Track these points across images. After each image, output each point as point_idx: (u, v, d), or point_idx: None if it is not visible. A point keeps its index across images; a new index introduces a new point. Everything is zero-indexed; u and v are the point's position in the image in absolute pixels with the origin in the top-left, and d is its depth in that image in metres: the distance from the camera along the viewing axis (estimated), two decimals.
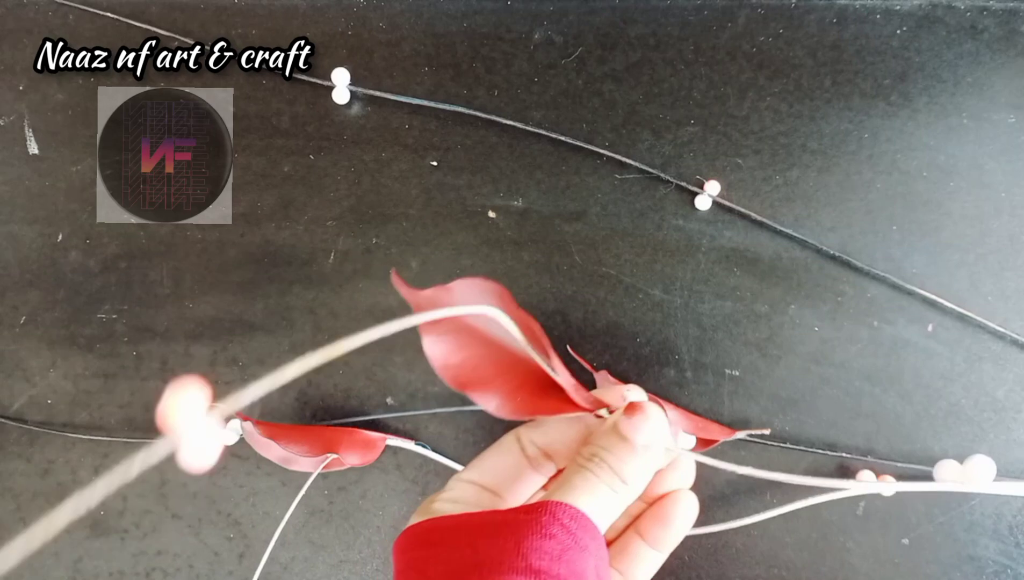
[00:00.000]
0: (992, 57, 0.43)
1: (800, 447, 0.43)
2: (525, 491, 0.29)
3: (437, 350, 0.28)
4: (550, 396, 0.27)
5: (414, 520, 0.27)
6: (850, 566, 0.43)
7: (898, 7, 0.43)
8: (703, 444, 0.42)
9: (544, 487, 0.30)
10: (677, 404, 0.43)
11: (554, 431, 0.29)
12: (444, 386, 0.45)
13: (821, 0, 0.43)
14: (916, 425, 0.43)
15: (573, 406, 0.27)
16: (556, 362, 0.26)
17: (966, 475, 0.36)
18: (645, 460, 0.26)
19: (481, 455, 0.29)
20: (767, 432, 0.43)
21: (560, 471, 0.30)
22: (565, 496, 0.25)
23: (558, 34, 0.44)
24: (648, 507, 0.29)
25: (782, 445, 0.43)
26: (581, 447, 0.27)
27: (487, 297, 0.27)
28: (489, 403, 0.27)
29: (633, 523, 0.29)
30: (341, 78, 0.43)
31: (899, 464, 0.43)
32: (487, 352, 0.28)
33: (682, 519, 0.28)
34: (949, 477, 0.38)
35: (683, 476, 0.29)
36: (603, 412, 0.28)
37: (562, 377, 0.27)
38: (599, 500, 0.25)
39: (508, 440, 0.29)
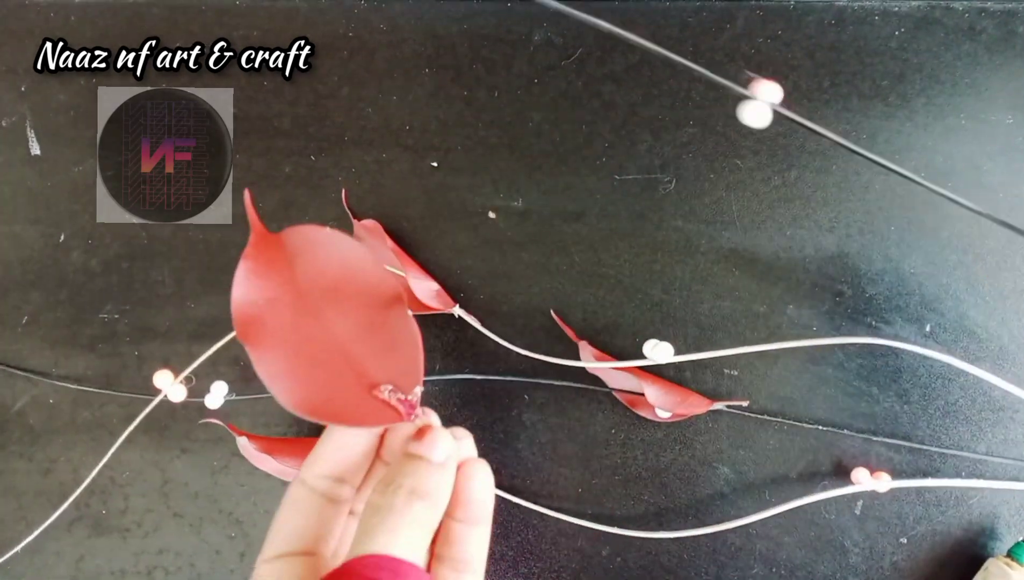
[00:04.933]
0: (990, 58, 0.43)
1: (777, 418, 0.43)
2: (340, 535, 0.28)
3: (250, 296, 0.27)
4: (357, 405, 0.26)
5: None
6: (848, 565, 0.43)
7: (896, 8, 0.43)
8: (680, 417, 0.43)
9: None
10: (659, 376, 0.43)
11: (338, 454, 0.27)
12: (442, 386, 0.45)
13: (819, 1, 0.44)
14: (914, 425, 0.43)
15: (373, 418, 0.26)
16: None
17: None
18: (445, 474, 0.26)
19: (275, 521, 0.27)
20: (745, 403, 0.43)
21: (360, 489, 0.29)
22: (367, 546, 0.23)
23: (558, 35, 0.44)
24: None
25: (759, 416, 0.43)
26: (368, 488, 0.26)
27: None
28: (283, 386, 0.26)
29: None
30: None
31: (912, 444, 0.43)
32: (306, 325, 0.27)
33: (481, 488, 0.27)
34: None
35: (464, 449, 0.28)
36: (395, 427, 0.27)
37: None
38: (405, 532, 0.24)
39: (295, 491, 0.27)
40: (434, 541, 0.26)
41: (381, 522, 0.24)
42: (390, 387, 0.26)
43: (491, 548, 0.44)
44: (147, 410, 0.40)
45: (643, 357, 0.41)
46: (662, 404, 0.42)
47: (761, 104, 0.29)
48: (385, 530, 0.24)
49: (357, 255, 0.27)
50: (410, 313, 0.27)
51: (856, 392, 0.43)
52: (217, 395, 0.43)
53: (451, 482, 0.26)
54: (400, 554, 0.23)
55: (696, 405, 0.42)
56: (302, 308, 0.27)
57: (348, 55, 0.45)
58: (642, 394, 0.42)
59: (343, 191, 0.45)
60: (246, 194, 0.27)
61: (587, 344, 0.43)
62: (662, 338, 0.42)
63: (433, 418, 0.28)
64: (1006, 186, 0.43)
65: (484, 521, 0.27)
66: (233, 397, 0.44)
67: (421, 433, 0.26)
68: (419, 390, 0.27)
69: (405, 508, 0.24)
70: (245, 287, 0.27)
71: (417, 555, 0.24)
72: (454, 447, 0.26)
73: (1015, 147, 0.43)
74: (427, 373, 0.45)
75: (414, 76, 0.45)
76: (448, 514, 0.26)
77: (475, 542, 0.27)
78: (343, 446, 0.27)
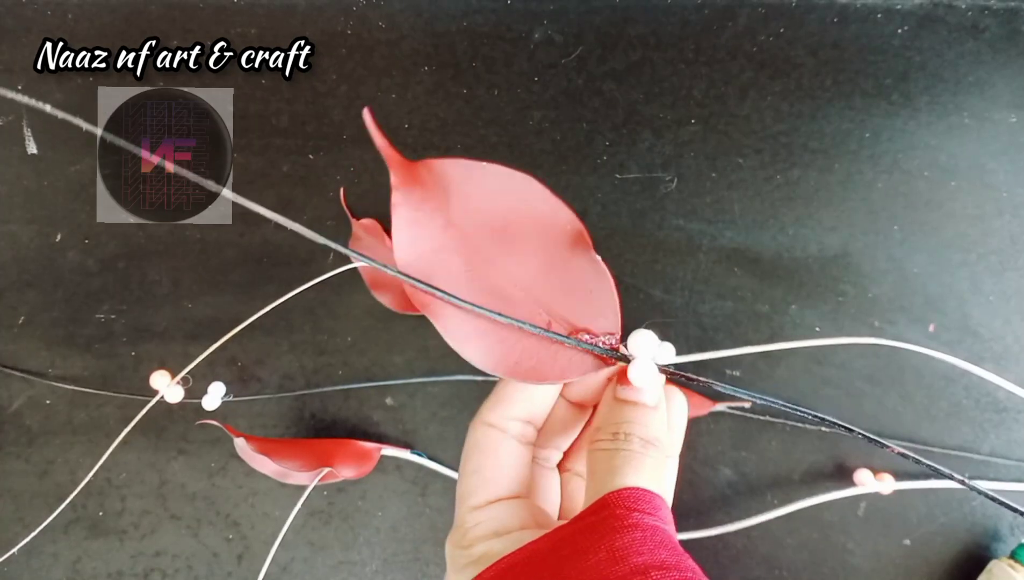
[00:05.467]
0: (993, 56, 0.43)
1: (780, 419, 0.43)
2: (545, 484, 0.28)
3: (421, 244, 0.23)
4: (555, 356, 0.24)
5: (463, 576, 0.24)
6: (851, 567, 0.43)
7: (899, 6, 0.43)
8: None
9: (562, 470, 0.28)
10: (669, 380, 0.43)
11: (526, 394, 0.27)
12: (443, 387, 0.44)
13: (822, 0, 0.43)
14: (917, 426, 0.43)
15: (575, 369, 0.24)
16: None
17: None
18: (662, 416, 0.25)
19: (471, 466, 0.26)
20: (747, 405, 0.43)
21: (573, 446, 0.28)
22: (619, 482, 0.23)
23: (558, 33, 0.44)
24: None
25: (761, 417, 0.43)
26: (592, 435, 0.25)
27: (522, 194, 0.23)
28: (475, 348, 0.23)
29: None
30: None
31: (918, 446, 0.43)
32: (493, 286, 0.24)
33: (680, 418, 0.27)
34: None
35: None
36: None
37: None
38: (649, 472, 0.24)
39: (487, 436, 0.26)
40: None
41: (624, 463, 0.24)
42: (588, 334, 0.24)
43: None
44: (144, 411, 0.40)
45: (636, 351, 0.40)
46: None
47: (647, 362, 0.25)
48: (636, 468, 0.24)
49: (521, 188, 0.24)
50: (595, 254, 0.24)
51: (859, 393, 0.43)
52: (214, 396, 0.43)
53: (664, 419, 0.26)
54: (657, 491, 0.23)
55: (698, 406, 0.42)
56: (472, 254, 0.24)
57: (347, 53, 0.45)
58: None
59: (342, 190, 0.45)
60: (367, 114, 0.23)
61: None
62: (663, 338, 0.41)
63: (642, 341, 0.26)
64: (1010, 184, 0.43)
65: (677, 451, 0.27)
66: (230, 398, 0.44)
67: (623, 376, 0.25)
68: (617, 333, 0.25)
69: (643, 452, 0.24)
70: (407, 235, 0.24)
71: (666, 496, 0.24)
72: (661, 384, 0.26)
73: (1019, 145, 0.43)
74: (427, 373, 0.44)
75: (413, 74, 0.45)
76: None
77: (672, 472, 0.27)
78: (527, 387, 0.26)
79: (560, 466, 0.29)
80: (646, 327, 0.26)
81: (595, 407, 0.28)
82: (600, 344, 0.24)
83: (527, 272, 0.24)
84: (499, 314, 0.24)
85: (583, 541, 0.21)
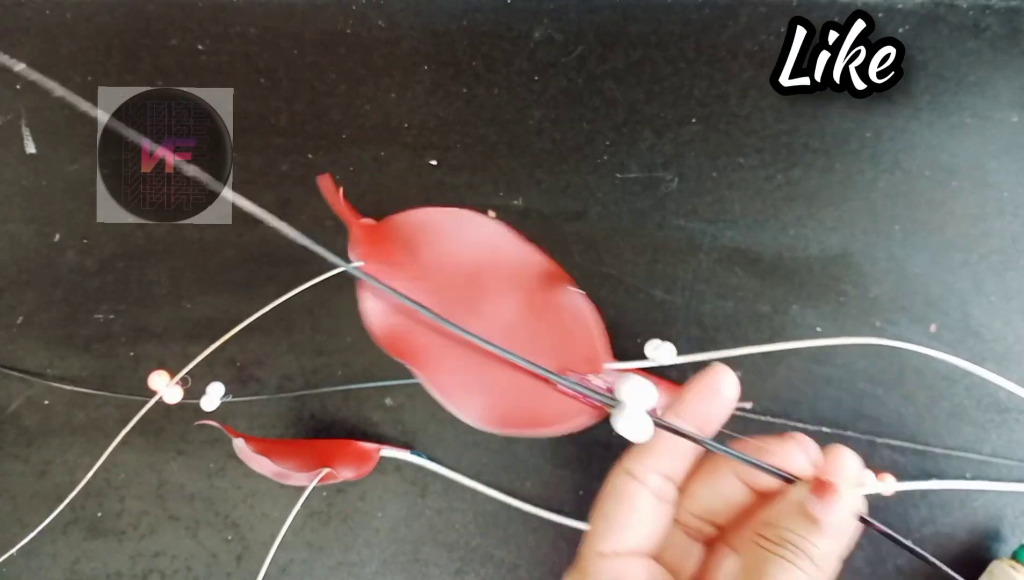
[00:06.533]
0: (995, 56, 0.43)
1: (780, 419, 0.43)
2: (684, 549, 0.26)
3: (382, 312, 0.23)
4: (547, 404, 0.23)
5: None
6: (852, 568, 0.43)
7: (900, 6, 0.43)
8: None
9: (718, 543, 0.27)
10: (661, 377, 0.43)
11: (671, 449, 0.25)
12: None
13: None
14: (918, 426, 0.43)
15: (569, 417, 0.23)
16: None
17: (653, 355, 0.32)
18: (839, 542, 0.24)
19: (602, 510, 0.26)
20: (749, 406, 0.43)
21: (719, 535, 0.27)
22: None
23: (558, 32, 0.44)
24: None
25: (762, 417, 0.43)
26: (760, 527, 0.24)
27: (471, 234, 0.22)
28: (464, 403, 0.22)
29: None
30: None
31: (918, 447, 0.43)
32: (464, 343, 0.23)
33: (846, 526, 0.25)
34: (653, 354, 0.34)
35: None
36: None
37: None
38: None
39: (627, 485, 0.25)
40: None
41: (783, 572, 0.23)
42: (574, 376, 0.23)
43: (491, 552, 0.44)
44: (142, 412, 0.40)
45: (645, 357, 0.40)
46: (662, 410, 0.41)
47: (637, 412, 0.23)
48: (779, 574, 0.23)
49: (489, 233, 0.24)
50: (575, 288, 0.23)
51: (861, 393, 0.43)
52: (213, 397, 0.43)
53: (843, 547, 0.24)
54: None
55: None
56: (447, 304, 0.23)
57: (346, 52, 0.45)
58: None
59: (340, 189, 0.45)
60: (322, 182, 0.24)
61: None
62: (664, 338, 0.41)
63: (841, 465, 0.24)
64: (1011, 184, 0.43)
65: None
66: (229, 399, 0.44)
67: (822, 488, 0.23)
68: (612, 370, 0.23)
69: (805, 566, 0.23)
70: (373, 299, 0.23)
71: None
72: (855, 512, 0.24)
73: (1020, 145, 0.43)
74: None
75: (413, 73, 0.45)
76: None
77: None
78: (676, 441, 0.25)
79: (718, 539, 0.28)
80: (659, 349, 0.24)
81: (767, 494, 0.26)
82: (589, 386, 0.23)
83: (504, 318, 0.24)
84: (487, 341, 0.23)
85: None
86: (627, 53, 0.44)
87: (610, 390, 0.23)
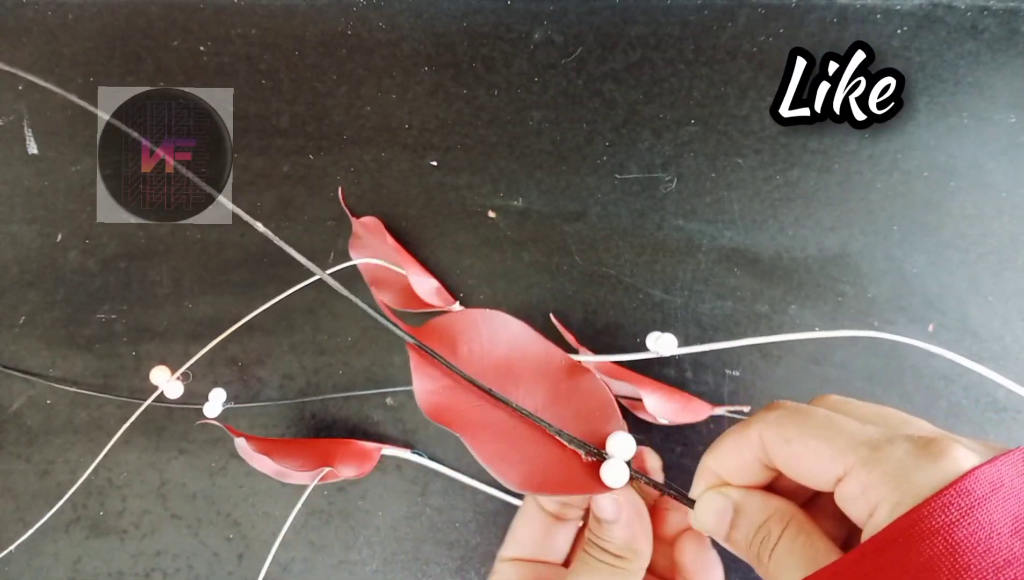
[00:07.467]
0: (993, 57, 0.43)
1: None
2: (570, 545, 0.31)
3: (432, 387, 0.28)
4: (574, 472, 0.27)
5: None
6: None
7: (898, 7, 0.43)
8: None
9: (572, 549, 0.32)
10: (663, 382, 0.43)
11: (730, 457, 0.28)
12: None
13: (822, 0, 0.43)
14: None
15: (594, 483, 0.27)
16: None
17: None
18: (630, 529, 0.27)
19: (512, 527, 0.31)
20: (747, 409, 0.43)
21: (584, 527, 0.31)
22: None
23: (558, 34, 0.44)
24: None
25: None
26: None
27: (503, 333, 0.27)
28: (502, 467, 0.27)
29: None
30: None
31: None
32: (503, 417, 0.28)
33: (691, 559, 0.29)
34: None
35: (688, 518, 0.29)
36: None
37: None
38: (603, 577, 0.27)
39: (528, 506, 0.31)
40: None
41: (585, 566, 0.28)
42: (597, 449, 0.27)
43: (491, 550, 0.44)
44: (144, 406, 0.40)
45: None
46: (662, 413, 0.41)
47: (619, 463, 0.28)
48: (587, 574, 0.28)
49: (516, 332, 0.28)
50: (597, 375, 0.28)
51: (859, 392, 0.43)
52: (215, 403, 0.43)
53: (630, 533, 0.28)
54: None
55: (697, 411, 0.42)
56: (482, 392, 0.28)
57: (347, 53, 0.45)
58: (641, 399, 0.42)
59: (340, 190, 0.45)
60: (379, 305, 0.29)
61: (587, 352, 0.43)
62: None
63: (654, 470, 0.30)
64: (1009, 185, 0.43)
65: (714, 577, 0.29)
66: (231, 405, 0.44)
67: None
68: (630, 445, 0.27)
69: (602, 557, 0.28)
70: (421, 379, 0.28)
71: None
72: (628, 535, 0.28)
73: (1018, 145, 0.43)
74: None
75: (413, 74, 0.45)
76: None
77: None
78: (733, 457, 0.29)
79: None
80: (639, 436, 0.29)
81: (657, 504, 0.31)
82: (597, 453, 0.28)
83: (534, 404, 0.28)
84: (507, 400, 0.28)
85: None
86: (626, 54, 0.44)
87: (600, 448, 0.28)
